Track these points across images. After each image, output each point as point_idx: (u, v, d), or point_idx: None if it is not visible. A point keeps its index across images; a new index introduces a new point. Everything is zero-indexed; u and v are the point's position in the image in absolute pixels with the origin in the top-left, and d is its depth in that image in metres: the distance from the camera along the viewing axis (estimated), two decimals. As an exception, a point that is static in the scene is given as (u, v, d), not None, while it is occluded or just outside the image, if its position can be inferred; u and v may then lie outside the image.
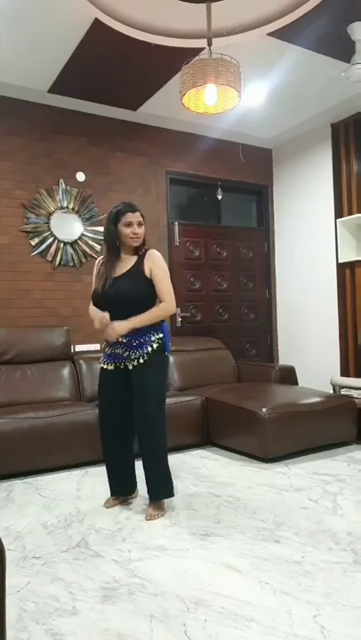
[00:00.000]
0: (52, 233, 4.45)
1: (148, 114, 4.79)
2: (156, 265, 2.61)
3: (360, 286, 4.79)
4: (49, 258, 4.45)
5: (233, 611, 1.69)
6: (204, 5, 2.95)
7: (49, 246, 4.44)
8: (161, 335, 2.59)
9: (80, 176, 4.62)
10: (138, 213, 2.61)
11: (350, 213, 4.85)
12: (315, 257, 5.26)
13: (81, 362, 4.14)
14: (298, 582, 1.86)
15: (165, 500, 2.64)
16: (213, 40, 3.00)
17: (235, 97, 2.95)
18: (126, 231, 2.58)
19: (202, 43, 3.16)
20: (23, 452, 3.20)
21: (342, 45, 3.63)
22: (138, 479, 2.80)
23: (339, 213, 4.97)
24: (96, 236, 4.60)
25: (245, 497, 2.78)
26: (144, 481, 2.61)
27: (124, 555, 2.14)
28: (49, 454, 3.29)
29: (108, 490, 2.76)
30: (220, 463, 3.46)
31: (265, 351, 5.73)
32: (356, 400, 3.87)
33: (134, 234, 2.59)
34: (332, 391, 4.25)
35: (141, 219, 2.62)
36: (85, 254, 4.60)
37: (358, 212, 4.76)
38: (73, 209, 4.55)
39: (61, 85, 4.19)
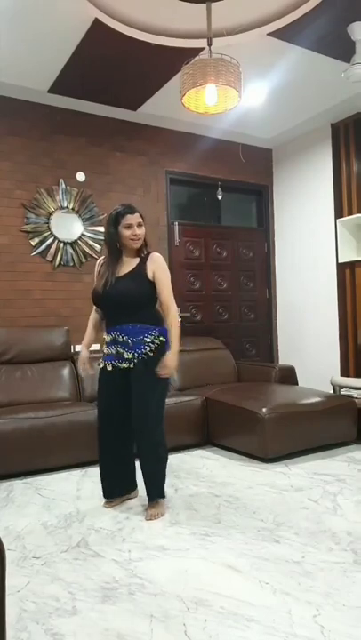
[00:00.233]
0: (52, 233, 4.45)
1: (148, 114, 4.79)
2: (160, 269, 2.62)
3: (360, 286, 4.79)
4: (49, 258, 4.45)
5: (233, 611, 1.69)
6: (204, 5, 2.95)
7: (49, 246, 4.45)
8: (160, 335, 2.59)
9: (80, 176, 4.62)
10: (137, 214, 2.60)
11: (350, 213, 4.85)
12: (315, 257, 5.26)
13: (81, 362, 4.14)
14: (298, 582, 1.86)
15: (165, 500, 2.64)
16: (213, 40, 3.00)
17: (235, 97, 2.96)
18: (126, 233, 2.58)
19: (202, 43, 3.17)
20: (23, 452, 3.20)
21: (342, 45, 3.63)
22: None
23: (339, 213, 4.97)
24: (96, 236, 4.60)
25: (245, 497, 2.78)
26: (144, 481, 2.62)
27: (124, 555, 2.14)
28: (49, 454, 3.29)
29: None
30: (220, 463, 3.46)
31: (265, 351, 5.73)
32: (357, 400, 3.87)
33: (134, 235, 2.59)
34: (332, 391, 4.25)
35: (141, 219, 2.62)
36: (85, 254, 4.60)
37: (358, 212, 4.76)
38: (73, 209, 4.55)
39: (61, 85, 4.19)
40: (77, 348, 4.45)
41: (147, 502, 2.63)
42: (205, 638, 1.55)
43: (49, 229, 4.44)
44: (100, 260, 2.77)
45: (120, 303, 2.57)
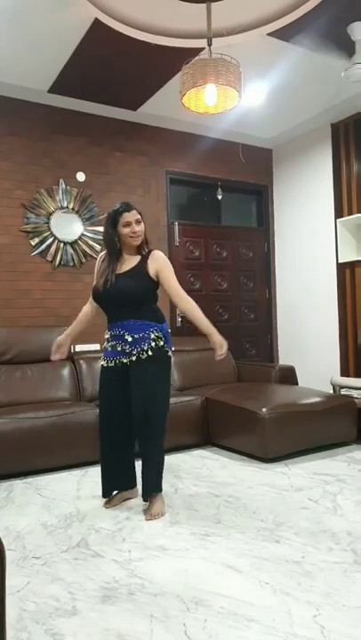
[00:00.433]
0: (52, 233, 4.45)
1: (148, 114, 4.79)
2: (162, 265, 2.62)
3: (360, 286, 4.79)
4: (49, 258, 4.45)
5: (233, 611, 1.69)
6: (204, 5, 2.95)
7: (49, 246, 4.44)
8: (160, 334, 2.59)
9: (80, 176, 4.62)
10: (134, 211, 2.60)
11: (350, 213, 4.85)
12: (315, 257, 5.26)
13: (81, 362, 4.14)
14: (298, 582, 1.86)
15: (165, 500, 2.64)
16: (213, 40, 3.01)
17: (235, 97, 2.96)
18: (125, 231, 2.58)
19: (202, 43, 3.17)
20: (23, 452, 3.20)
21: (342, 45, 3.63)
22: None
23: (339, 213, 4.97)
24: (96, 236, 4.60)
25: (245, 497, 2.78)
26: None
27: (124, 555, 2.14)
28: (49, 454, 3.29)
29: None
30: (220, 463, 3.46)
31: (265, 351, 5.73)
32: (357, 400, 3.87)
33: (133, 233, 2.59)
34: (332, 391, 4.25)
35: (139, 216, 2.62)
36: (85, 254, 4.60)
37: (358, 212, 4.76)
38: (73, 209, 4.55)
39: (61, 85, 4.19)
40: (77, 348, 4.46)
41: (146, 502, 2.62)
42: (205, 638, 1.55)
43: (49, 229, 4.44)
44: (102, 254, 2.76)
45: (121, 301, 2.57)
